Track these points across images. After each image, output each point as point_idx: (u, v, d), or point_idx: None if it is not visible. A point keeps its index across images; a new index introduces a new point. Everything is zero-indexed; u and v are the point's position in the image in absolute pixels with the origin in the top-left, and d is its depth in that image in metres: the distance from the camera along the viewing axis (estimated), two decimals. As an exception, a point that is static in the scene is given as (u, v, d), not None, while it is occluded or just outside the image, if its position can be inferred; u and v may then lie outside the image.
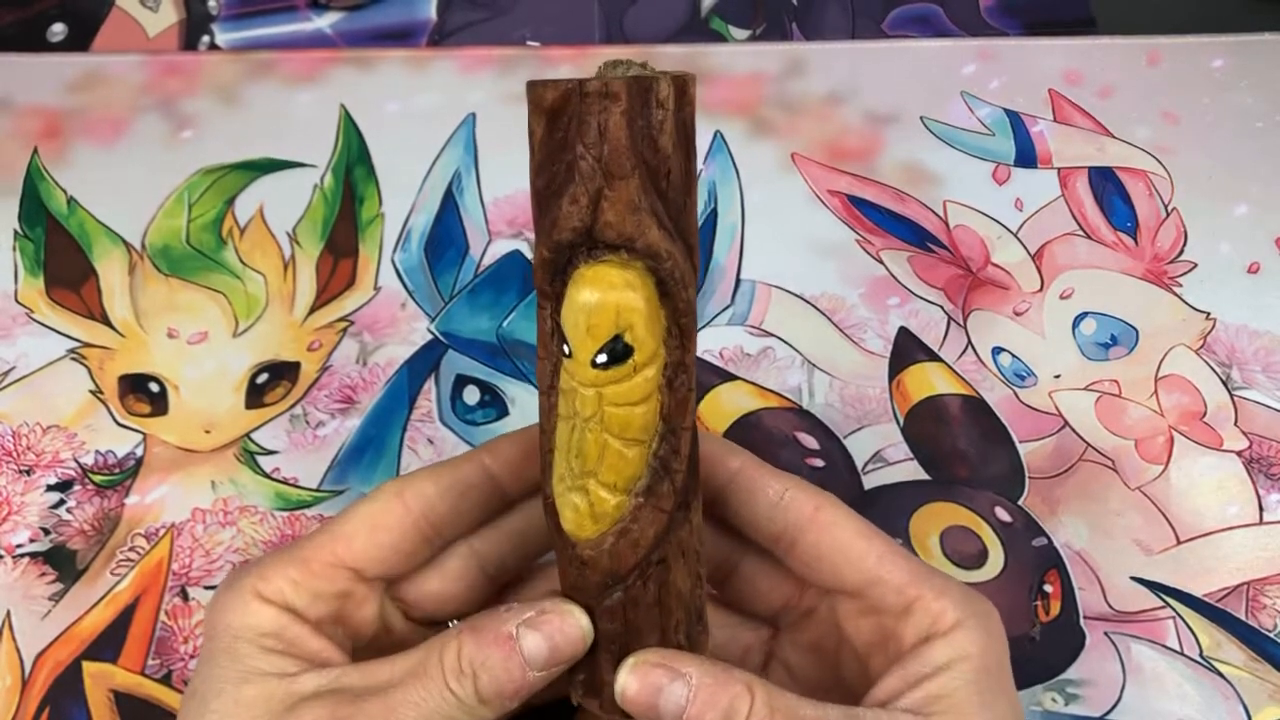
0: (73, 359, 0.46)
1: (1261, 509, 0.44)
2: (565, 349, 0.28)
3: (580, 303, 0.27)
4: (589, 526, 0.29)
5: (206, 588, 0.42)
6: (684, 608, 0.31)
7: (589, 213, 0.26)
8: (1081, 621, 0.42)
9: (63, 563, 0.42)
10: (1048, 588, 0.43)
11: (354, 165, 0.51)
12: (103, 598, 0.41)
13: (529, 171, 0.28)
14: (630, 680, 0.30)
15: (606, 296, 0.27)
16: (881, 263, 0.50)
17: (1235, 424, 0.46)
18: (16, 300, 0.47)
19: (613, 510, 0.29)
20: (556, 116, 0.27)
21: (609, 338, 0.27)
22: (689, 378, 0.29)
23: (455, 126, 0.52)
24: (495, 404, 0.46)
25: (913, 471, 0.45)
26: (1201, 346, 0.48)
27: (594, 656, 0.31)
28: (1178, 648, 0.42)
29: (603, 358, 0.27)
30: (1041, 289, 0.49)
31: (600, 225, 0.26)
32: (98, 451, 0.44)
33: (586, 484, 0.28)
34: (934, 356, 0.47)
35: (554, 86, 0.27)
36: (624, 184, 0.26)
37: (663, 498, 0.29)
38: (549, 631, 0.29)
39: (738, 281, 0.49)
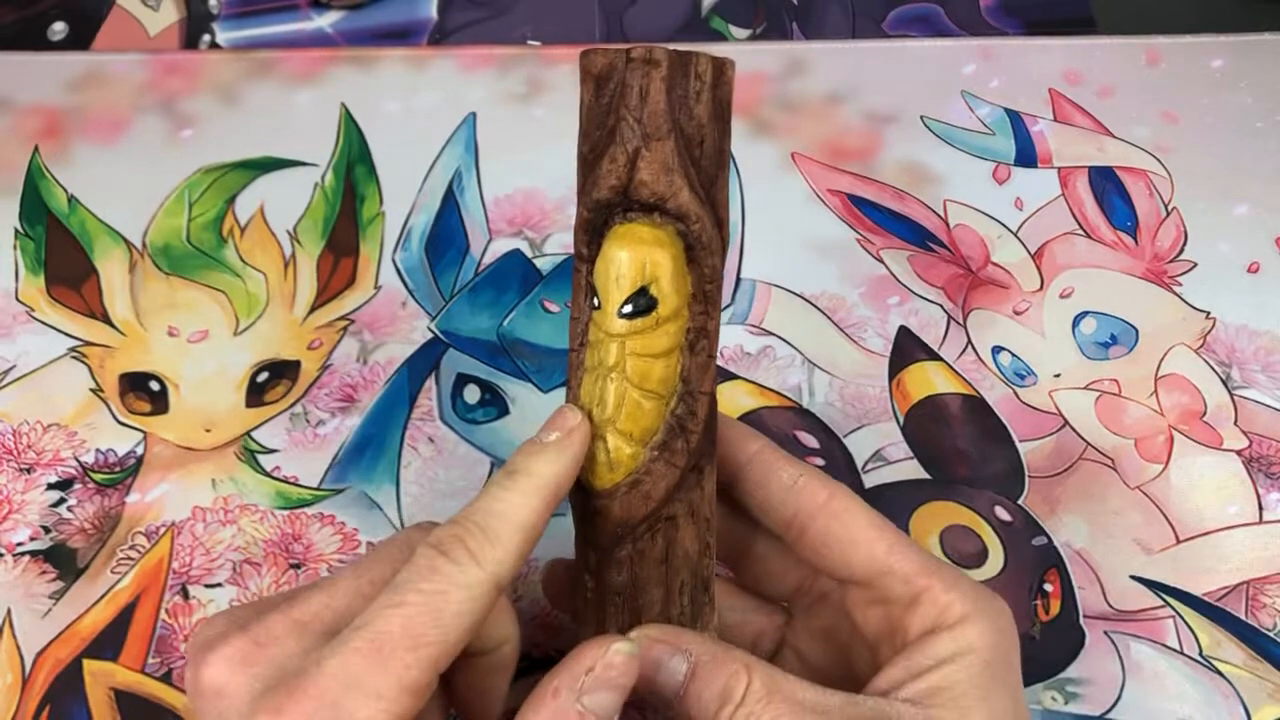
0: (73, 357, 0.46)
1: (1261, 508, 0.44)
2: (595, 302, 0.30)
3: (611, 255, 0.29)
4: (605, 476, 0.30)
5: (207, 586, 0.42)
6: (690, 571, 0.31)
7: (626, 172, 0.29)
8: (1081, 620, 0.42)
9: (63, 561, 0.42)
10: (1048, 587, 0.43)
11: (355, 164, 0.51)
12: (103, 596, 0.41)
13: (577, 141, 0.30)
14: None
15: (636, 250, 0.29)
16: (881, 262, 0.50)
17: (1235, 423, 0.46)
18: (17, 299, 0.47)
19: (628, 460, 0.30)
20: (603, 83, 0.29)
21: (635, 290, 0.29)
22: (710, 344, 0.30)
23: (456, 126, 0.52)
24: (495, 403, 0.46)
25: (913, 470, 0.45)
26: (1201, 346, 0.48)
27: (601, 612, 0.32)
28: (1177, 647, 0.42)
29: (628, 308, 0.29)
30: (1041, 288, 0.49)
31: (636, 184, 0.29)
32: (98, 450, 0.44)
33: (605, 432, 0.30)
34: (934, 356, 0.47)
35: (603, 54, 0.29)
36: (660, 145, 0.28)
37: (676, 454, 0.30)
38: (607, 680, 0.29)
39: (738, 280, 0.49)
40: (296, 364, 0.46)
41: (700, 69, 0.29)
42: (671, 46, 0.29)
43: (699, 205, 0.29)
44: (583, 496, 0.31)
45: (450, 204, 0.50)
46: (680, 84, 0.29)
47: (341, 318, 0.47)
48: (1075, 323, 0.49)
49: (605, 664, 0.29)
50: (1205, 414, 0.47)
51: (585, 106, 0.30)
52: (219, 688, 0.28)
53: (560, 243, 0.49)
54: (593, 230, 0.30)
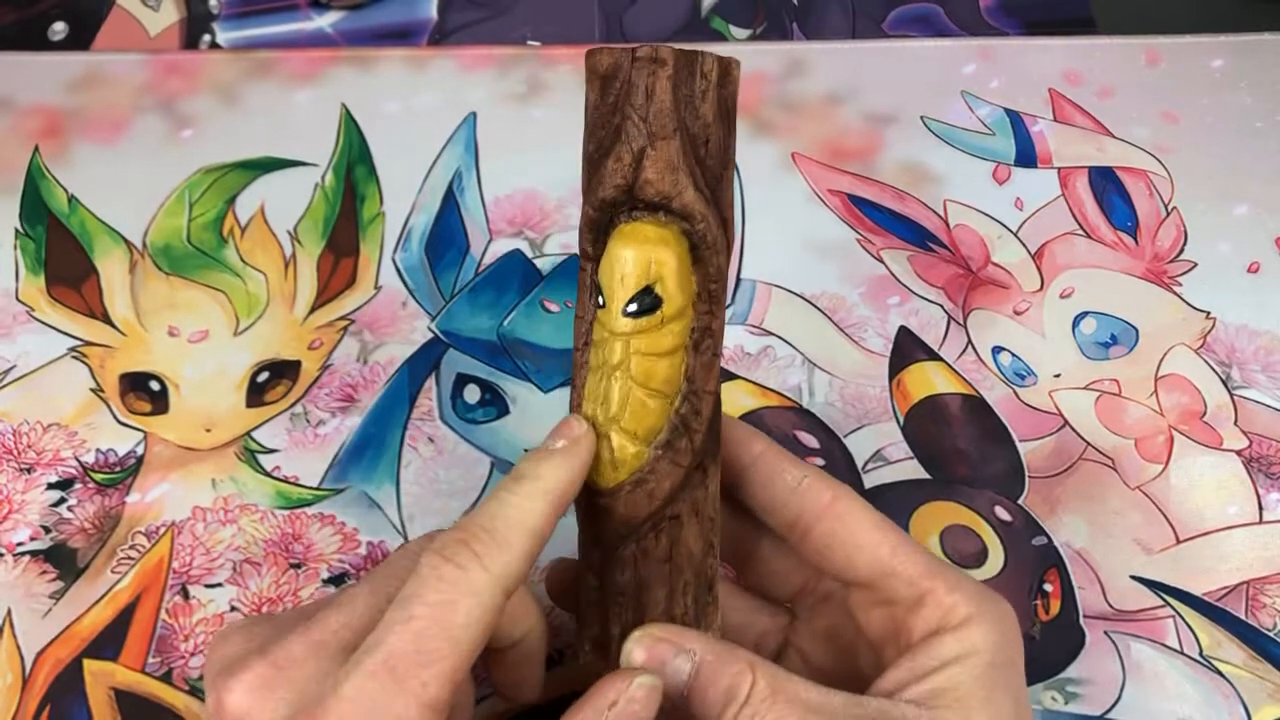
0: (73, 357, 0.46)
1: (1261, 508, 0.44)
2: (599, 300, 0.30)
3: (616, 254, 0.29)
4: (609, 475, 0.30)
5: (207, 586, 0.42)
6: (694, 570, 0.31)
7: (631, 170, 0.29)
8: (1081, 620, 0.42)
9: (63, 561, 0.42)
10: (1047, 587, 0.43)
11: (355, 164, 0.51)
12: (103, 596, 0.41)
13: (582, 140, 0.30)
14: (636, 651, 0.30)
15: (641, 249, 0.29)
16: (882, 262, 0.50)
17: (1235, 423, 0.46)
18: (17, 298, 0.47)
19: (632, 459, 0.30)
20: (609, 81, 0.29)
21: (640, 288, 0.29)
22: (715, 343, 0.30)
23: (456, 126, 0.52)
24: (495, 403, 0.46)
25: (913, 470, 0.45)
26: (1201, 346, 0.48)
27: (604, 611, 0.32)
28: (1177, 647, 0.42)
29: (633, 307, 0.29)
30: (1041, 288, 0.49)
31: (641, 182, 0.29)
32: (98, 450, 0.44)
33: (610, 431, 0.30)
34: (934, 356, 0.48)
35: (609, 52, 0.29)
36: (665, 144, 0.28)
37: (680, 453, 0.30)
38: (630, 714, 0.29)
39: (738, 281, 0.49)
40: (297, 364, 0.46)
41: (706, 68, 0.29)
42: (677, 46, 0.29)
43: (704, 205, 0.29)
44: (587, 495, 0.31)
45: (450, 204, 0.50)
46: (686, 83, 0.29)
47: (342, 318, 0.47)
48: (1075, 323, 0.49)
49: (628, 698, 0.29)
50: (1205, 414, 0.47)
51: (591, 105, 0.30)
52: (242, 715, 0.28)
53: (560, 243, 0.49)
54: (598, 229, 0.30)
